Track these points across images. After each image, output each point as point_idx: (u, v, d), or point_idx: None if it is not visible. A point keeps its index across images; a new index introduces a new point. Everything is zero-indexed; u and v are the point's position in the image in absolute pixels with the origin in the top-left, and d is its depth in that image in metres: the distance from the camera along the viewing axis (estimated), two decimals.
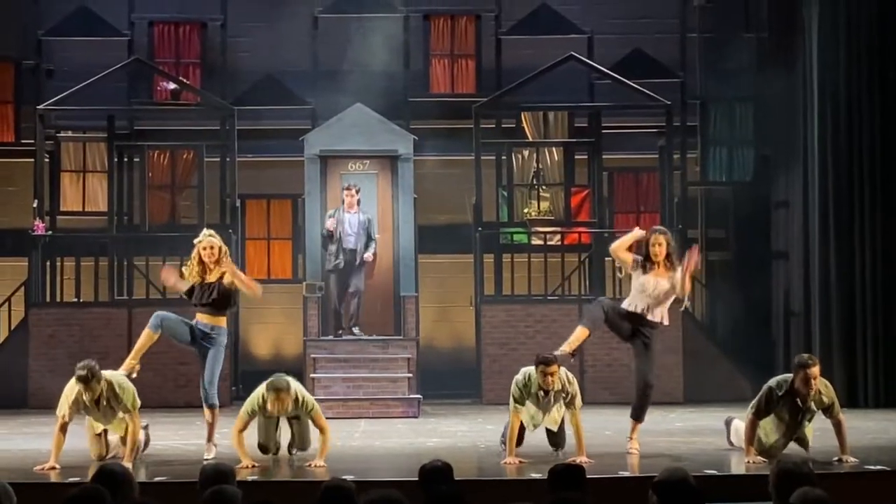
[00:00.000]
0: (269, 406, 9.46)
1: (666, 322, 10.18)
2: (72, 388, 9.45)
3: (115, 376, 9.59)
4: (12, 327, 16.66)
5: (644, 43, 18.00)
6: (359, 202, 15.58)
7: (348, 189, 15.56)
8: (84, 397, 9.36)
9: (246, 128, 16.98)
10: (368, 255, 15.42)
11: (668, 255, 10.07)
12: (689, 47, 18.00)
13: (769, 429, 9.49)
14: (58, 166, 17.36)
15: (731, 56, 17.51)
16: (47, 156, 16.99)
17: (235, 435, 9.54)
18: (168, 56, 18.26)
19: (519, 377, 9.76)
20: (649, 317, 10.04)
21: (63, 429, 9.41)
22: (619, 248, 10.18)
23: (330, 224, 15.50)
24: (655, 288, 10.02)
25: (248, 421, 9.62)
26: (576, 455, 9.42)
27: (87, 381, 9.25)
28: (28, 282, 16.39)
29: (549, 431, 10.12)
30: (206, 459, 9.72)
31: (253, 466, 9.30)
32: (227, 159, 16.74)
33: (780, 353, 16.59)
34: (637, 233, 10.28)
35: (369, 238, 15.50)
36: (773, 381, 9.47)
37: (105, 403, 9.46)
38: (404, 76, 17.89)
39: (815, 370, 9.17)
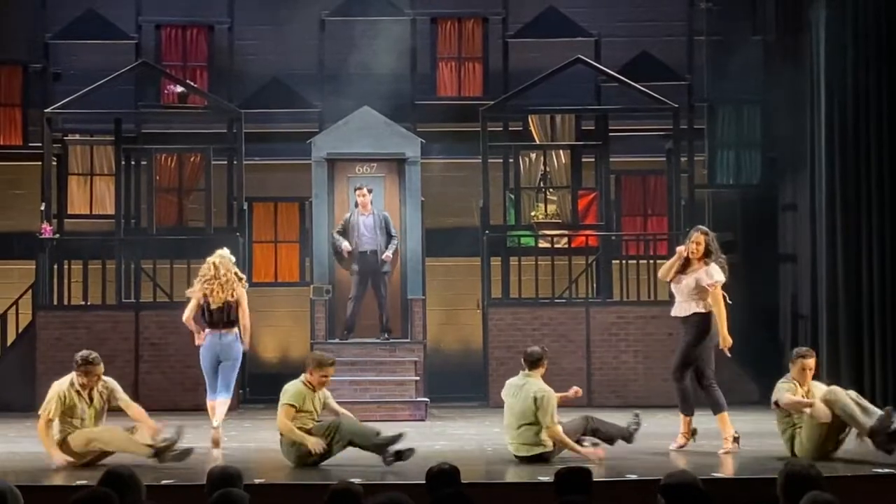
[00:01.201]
0: (316, 386, 9.84)
1: (700, 309, 10.56)
2: (60, 383, 9.70)
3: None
4: (20, 330, 16.68)
5: (651, 45, 18.00)
6: (371, 202, 15.51)
7: (359, 189, 15.44)
8: (77, 384, 9.67)
9: (253, 131, 16.98)
10: (388, 255, 15.21)
11: (706, 253, 10.47)
12: (696, 50, 17.97)
13: (805, 436, 9.90)
14: (65, 169, 17.41)
15: (738, 58, 17.46)
16: (55, 159, 17.00)
17: (290, 428, 9.74)
18: (175, 59, 18.27)
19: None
20: (682, 314, 10.60)
21: (47, 426, 9.61)
22: (668, 272, 10.57)
23: (345, 247, 15.24)
24: (683, 285, 10.56)
25: (293, 413, 9.77)
26: (575, 459, 9.59)
27: (88, 362, 9.61)
28: (35, 285, 16.40)
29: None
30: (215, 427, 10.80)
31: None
32: (235, 162, 16.74)
33: (787, 356, 16.52)
34: (680, 251, 10.62)
35: (390, 237, 15.37)
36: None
37: (98, 396, 9.78)
38: (411, 79, 17.88)
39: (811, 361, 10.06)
